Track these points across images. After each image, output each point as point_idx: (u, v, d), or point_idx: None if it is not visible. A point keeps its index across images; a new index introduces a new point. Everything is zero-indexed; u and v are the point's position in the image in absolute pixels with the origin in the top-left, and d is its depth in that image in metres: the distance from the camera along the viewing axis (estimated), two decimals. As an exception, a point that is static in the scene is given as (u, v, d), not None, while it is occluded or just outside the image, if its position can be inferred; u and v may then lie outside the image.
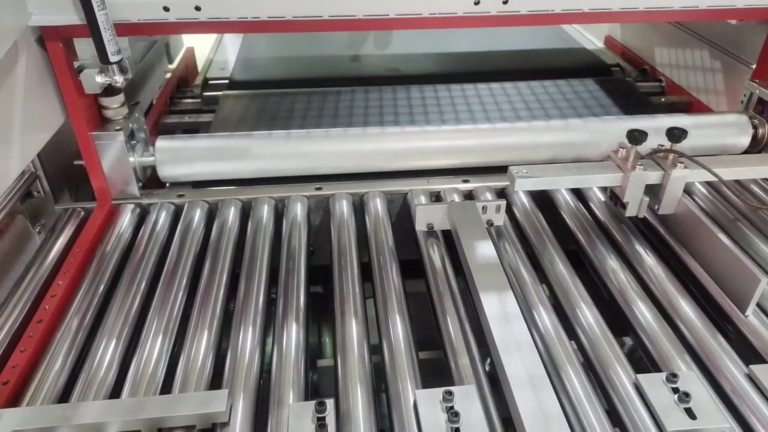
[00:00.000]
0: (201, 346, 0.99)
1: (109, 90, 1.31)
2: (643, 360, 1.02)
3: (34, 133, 1.23)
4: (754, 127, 1.54)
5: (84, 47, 1.23)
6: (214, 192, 1.42)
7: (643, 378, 0.88)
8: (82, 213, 1.36)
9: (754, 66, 1.62)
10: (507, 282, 1.04)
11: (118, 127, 1.33)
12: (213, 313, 1.06)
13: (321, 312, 1.42)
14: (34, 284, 1.13)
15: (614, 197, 1.25)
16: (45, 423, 0.83)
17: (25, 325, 1.04)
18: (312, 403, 0.83)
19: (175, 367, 0.96)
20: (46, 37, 1.20)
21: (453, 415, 0.80)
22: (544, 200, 1.40)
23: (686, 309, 1.06)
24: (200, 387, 0.92)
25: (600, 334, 1.00)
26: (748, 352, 0.99)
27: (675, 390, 0.85)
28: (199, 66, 2.31)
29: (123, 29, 1.19)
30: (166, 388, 0.93)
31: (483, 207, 1.24)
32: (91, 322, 1.07)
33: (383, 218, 1.33)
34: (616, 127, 1.49)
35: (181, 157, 1.42)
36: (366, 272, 1.18)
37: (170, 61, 2.21)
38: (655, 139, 1.20)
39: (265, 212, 1.34)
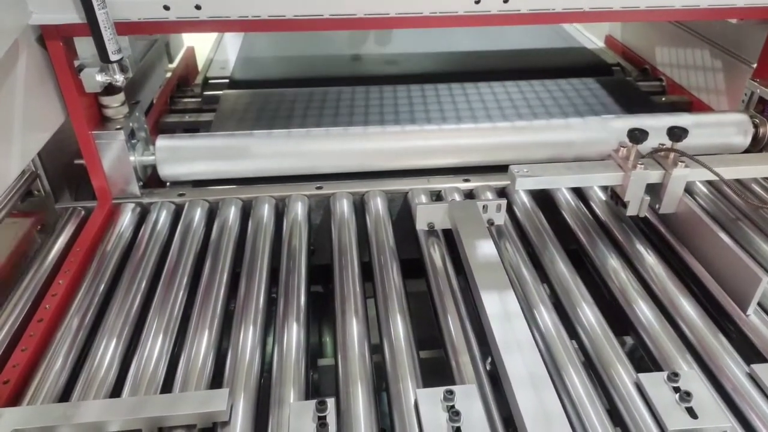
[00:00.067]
0: (201, 345, 0.99)
1: (110, 89, 1.30)
2: (644, 359, 1.02)
3: (35, 132, 1.23)
4: (755, 127, 1.54)
5: (84, 46, 1.23)
6: (215, 191, 1.42)
7: (644, 377, 0.88)
8: (83, 212, 1.36)
9: (754, 65, 1.61)
10: (508, 281, 1.04)
11: (118, 126, 1.33)
12: (213, 312, 1.06)
13: (321, 311, 1.42)
14: (35, 283, 1.13)
15: (615, 196, 1.25)
16: (45, 422, 0.82)
17: (26, 324, 1.04)
18: (313, 403, 0.83)
19: (175, 367, 0.96)
20: (46, 35, 1.19)
21: (454, 414, 0.80)
22: (544, 199, 1.40)
23: (687, 308, 1.06)
24: (201, 386, 0.92)
25: (601, 334, 1.00)
26: (749, 352, 0.99)
27: (676, 389, 0.85)
28: (200, 65, 2.31)
29: (123, 28, 1.18)
30: (167, 387, 0.93)
31: (484, 206, 1.24)
32: (92, 321, 1.07)
33: (384, 217, 1.32)
34: (616, 126, 1.49)
35: (182, 156, 1.42)
36: (366, 271, 1.18)
37: (170, 61, 2.21)
38: (656, 139, 1.19)
39: (266, 211, 1.34)
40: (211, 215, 1.35)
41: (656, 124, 1.38)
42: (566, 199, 1.39)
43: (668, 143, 1.19)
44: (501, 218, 1.27)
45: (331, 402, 0.83)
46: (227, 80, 2.08)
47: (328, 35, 2.43)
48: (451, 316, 1.05)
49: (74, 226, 1.30)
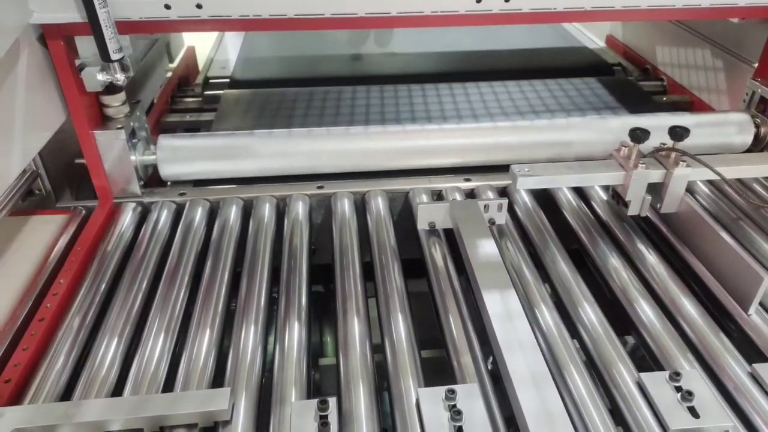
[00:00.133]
0: (203, 344, 0.99)
1: (111, 88, 1.30)
2: (645, 359, 1.02)
3: (36, 132, 1.23)
4: (756, 126, 1.54)
5: (85, 45, 1.23)
6: (216, 191, 1.42)
7: (645, 376, 0.88)
8: (84, 211, 1.36)
9: (756, 65, 1.61)
10: (509, 280, 1.04)
11: (119, 126, 1.33)
12: (215, 311, 1.06)
13: (323, 311, 1.42)
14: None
15: (616, 196, 1.25)
16: (47, 421, 0.82)
17: (27, 323, 1.03)
18: (314, 402, 0.82)
19: (177, 366, 0.96)
20: (47, 35, 1.19)
21: (456, 413, 0.80)
22: (546, 199, 1.40)
23: (689, 307, 1.06)
24: (202, 385, 0.92)
25: (602, 333, 1.00)
26: (750, 351, 0.99)
27: (678, 389, 0.85)
28: (200, 65, 2.31)
29: (124, 27, 1.18)
30: (168, 386, 0.93)
31: (485, 206, 1.24)
32: (93, 321, 1.07)
33: (385, 217, 1.32)
34: (618, 125, 1.49)
35: (183, 155, 1.42)
36: (368, 271, 1.18)
37: (171, 61, 2.21)
38: (657, 138, 1.19)
39: (267, 211, 1.34)
40: (212, 215, 1.35)
41: (657, 124, 1.37)
42: (567, 198, 1.39)
43: (669, 143, 1.19)
44: (502, 218, 1.26)
45: (332, 401, 0.83)
46: (228, 80, 2.08)
47: (329, 35, 2.43)
48: (452, 316, 1.05)
49: (75, 226, 1.30)
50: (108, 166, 1.35)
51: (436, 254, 1.20)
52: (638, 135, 1.15)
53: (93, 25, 1.13)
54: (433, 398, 0.83)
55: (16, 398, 0.91)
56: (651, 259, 1.18)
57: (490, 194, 1.39)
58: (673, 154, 1.18)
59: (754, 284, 1.01)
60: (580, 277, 1.13)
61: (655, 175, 1.19)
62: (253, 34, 2.44)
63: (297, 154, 1.45)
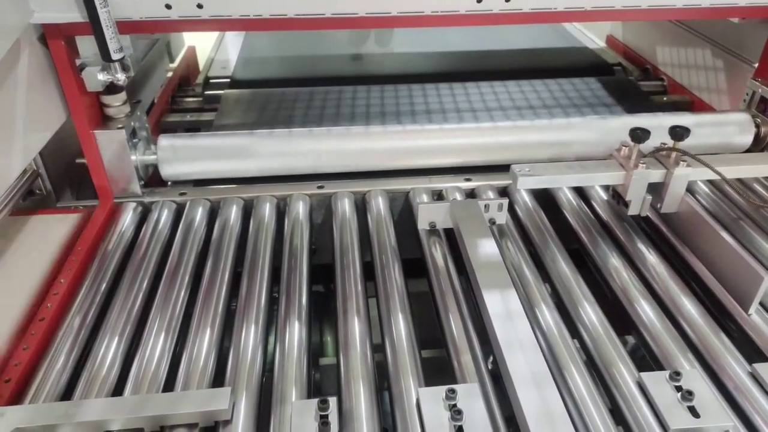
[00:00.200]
0: (203, 344, 0.99)
1: (111, 88, 1.31)
2: (645, 358, 1.02)
3: (36, 131, 1.23)
4: (757, 126, 1.54)
5: (86, 45, 1.23)
6: (216, 190, 1.42)
7: (646, 376, 0.88)
8: (84, 211, 1.36)
9: (756, 65, 1.61)
10: (509, 280, 1.04)
11: (119, 125, 1.33)
12: (215, 311, 1.06)
13: (323, 311, 1.42)
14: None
15: (617, 196, 1.25)
16: (47, 420, 0.82)
17: (27, 323, 1.04)
18: (315, 401, 0.82)
19: (177, 365, 0.96)
20: (48, 34, 1.19)
21: (456, 413, 0.80)
22: (546, 199, 1.40)
23: (689, 307, 1.06)
24: (203, 385, 0.92)
25: (603, 333, 1.00)
26: (750, 351, 0.99)
27: (678, 388, 0.85)
28: (201, 65, 2.31)
29: (125, 27, 1.18)
30: (169, 386, 0.93)
31: (485, 205, 1.24)
32: (94, 320, 1.07)
33: (385, 217, 1.32)
34: (618, 125, 1.49)
35: (183, 155, 1.42)
36: (368, 271, 1.18)
37: (171, 60, 2.21)
38: (658, 138, 1.19)
39: (267, 211, 1.34)
40: (213, 214, 1.35)
41: (658, 124, 1.37)
42: (568, 198, 1.39)
43: (670, 142, 1.19)
44: (502, 217, 1.26)
45: (333, 401, 0.83)
46: (228, 80, 2.08)
47: (329, 35, 2.43)
48: (452, 315, 1.05)
49: (75, 226, 1.30)
50: (108, 165, 1.35)
51: (437, 254, 1.20)
52: (638, 135, 1.15)
53: (94, 25, 1.13)
54: (433, 398, 0.83)
55: (16, 398, 0.92)
56: (651, 258, 1.18)
57: (491, 194, 1.39)
58: (674, 154, 1.18)
59: (754, 284, 1.01)
60: (580, 277, 1.13)
61: (656, 174, 1.19)
62: (254, 34, 2.44)
63: (297, 154, 1.45)
